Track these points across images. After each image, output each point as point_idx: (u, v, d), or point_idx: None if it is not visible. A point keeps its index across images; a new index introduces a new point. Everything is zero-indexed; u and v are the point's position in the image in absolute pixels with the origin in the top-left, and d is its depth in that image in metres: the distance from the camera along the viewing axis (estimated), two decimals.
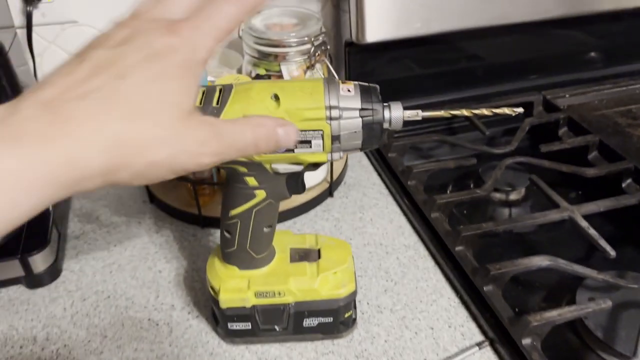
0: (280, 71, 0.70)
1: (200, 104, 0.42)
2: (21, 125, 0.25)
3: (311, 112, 0.41)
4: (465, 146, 0.78)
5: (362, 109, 0.42)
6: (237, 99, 0.42)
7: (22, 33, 0.75)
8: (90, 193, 0.76)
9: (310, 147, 0.42)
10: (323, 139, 0.42)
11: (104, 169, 0.27)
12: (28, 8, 0.71)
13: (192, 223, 0.70)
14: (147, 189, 0.73)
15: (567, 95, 0.87)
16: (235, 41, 0.83)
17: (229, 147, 0.32)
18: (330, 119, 0.41)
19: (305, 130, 0.42)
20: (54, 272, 0.62)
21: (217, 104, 0.42)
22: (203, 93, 0.43)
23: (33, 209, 0.26)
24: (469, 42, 0.87)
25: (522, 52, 0.91)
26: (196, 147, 0.30)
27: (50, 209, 0.66)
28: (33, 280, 0.61)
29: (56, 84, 0.28)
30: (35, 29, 0.74)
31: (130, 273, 0.63)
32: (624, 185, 0.71)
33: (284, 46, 0.68)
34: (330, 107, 0.41)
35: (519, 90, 0.90)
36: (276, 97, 0.41)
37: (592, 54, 0.95)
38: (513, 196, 0.73)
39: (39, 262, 0.61)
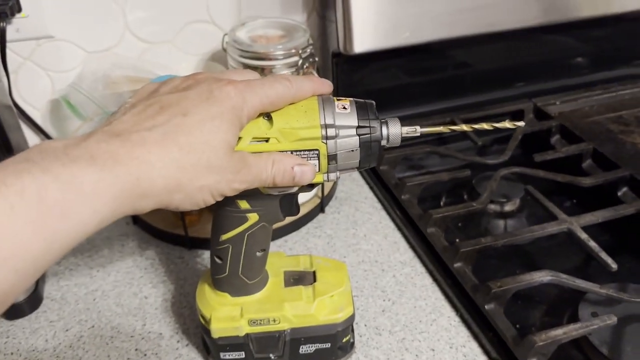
0: None
1: None
2: (94, 148, 0.30)
3: (306, 131, 0.39)
4: (457, 157, 0.76)
5: (359, 127, 0.40)
6: None
7: None
8: None
9: None
10: (319, 159, 0.40)
11: (163, 189, 0.32)
12: (1, 24, 0.67)
13: (179, 244, 0.67)
14: None
15: (557, 102, 0.86)
16: (219, 53, 0.81)
17: (255, 177, 0.37)
18: (327, 138, 0.39)
19: (300, 150, 0.39)
20: (34, 302, 0.59)
21: None
22: None
23: (105, 220, 0.30)
24: (457, 50, 0.86)
25: (511, 59, 0.90)
26: (232, 175, 0.35)
27: None
28: (12, 311, 0.58)
29: (125, 121, 0.33)
30: (9, 45, 0.71)
31: (115, 300, 0.60)
32: (619, 193, 0.69)
33: (270, 59, 0.66)
34: (326, 126, 0.39)
35: (508, 98, 0.88)
36: (269, 117, 0.39)
37: (580, 59, 0.94)
38: (508, 207, 0.72)
39: None
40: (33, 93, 0.77)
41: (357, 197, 0.75)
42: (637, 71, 0.95)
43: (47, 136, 0.79)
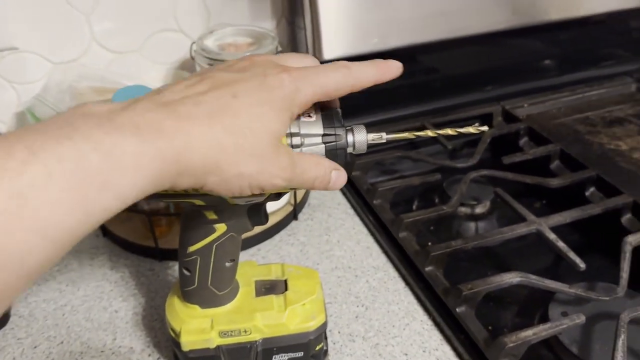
0: None
1: None
2: (140, 117, 0.29)
3: None
4: (428, 161, 0.77)
5: (324, 135, 0.40)
6: None
7: None
8: None
9: None
10: None
11: (201, 168, 0.31)
12: None
13: (149, 256, 0.66)
14: None
15: (525, 105, 0.87)
16: (188, 62, 0.81)
17: (297, 177, 0.36)
18: (292, 146, 0.39)
19: None
20: (1, 320, 0.58)
21: None
22: None
23: (143, 193, 0.29)
24: (426, 55, 0.87)
25: (479, 63, 0.92)
26: (276, 170, 0.34)
27: None
28: None
29: (175, 91, 0.32)
30: None
31: (85, 315, 0.59)
32: (587, 193, 0.71)
33: None
34: (292, 135, 0.39)
35: (477, 102, 0.89)
36: None
37: (547, 62, 0.96)
38: (479, 210, 0.72)
39: None
40: None
41: (330, 203, 0.75)
42: (602, 73, 0.97)
43: None
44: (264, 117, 0.33)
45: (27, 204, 0.24)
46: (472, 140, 0.83)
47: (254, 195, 0.41)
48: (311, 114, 0.40)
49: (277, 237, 0.69)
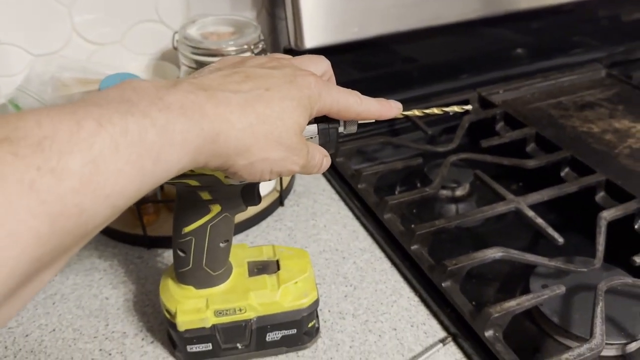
0: None
1: None
2: (183, 98, 0.31)
3: None
4: (409, 146, 0.79)
5: None
6: None
7: None
8: None
9: None
10: None
11: (233, 150, 0.33)
12: None
13: (137, 244, 0.66)
14: None
15: (500, 91, 0.90)
16: (169, 52, 0.81)
17: (308, 163, 0.39)
18: None
19: None
20: None
21: None
22: None
23: (183, 168, 0.31)
24: (404, 45, 0.88)
25: (455, 52, 0.94)
26: (296, 158, 0.37)
27: None
28: None
29: (213, 78, 0.34)
30: None
31: (75, 302, 0.59)
32: (562, 174, 0.73)
33: (222, 55, 0.66)
34: None
35: (454, 89, 0.92)
36: None
37: (520, 50, 0.99)
38: (459, 192, 0.74)
39: None
40: None
41: (315, 189, 0.76)
42: (574, 60, 1.00)
43: None
44: (292, 110, 0.36)
45: (98, 171, 0.25)
46: (451, 127, 0.85)
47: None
48: None
49: (264, 223, 0.70)
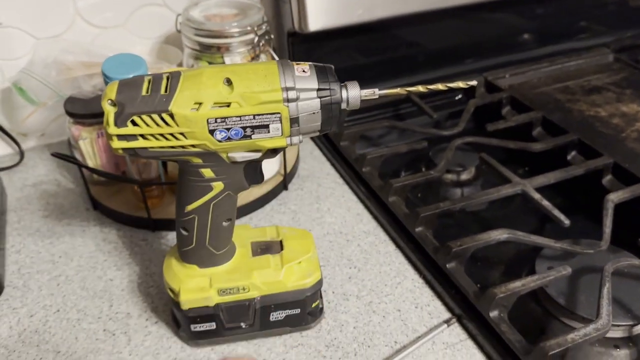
0: (224, 63, 0.67)
1: (147, 92, 0.40)
2: None
3: (267, 94, 0.40)
4: (414, 130, 0.78)
5: (319, 89, 0.41)
6: (187, 86, 0.40)
7: None
8: (27, 204, 0.71)
9: (269, 131, 0.41)
10: (281, 122, 0.40)
11: None
12: None
13: (141, 227, 0.66)
14: (90, 195, 0.69)
15: (507, 76, 0.89)
16: (173, 36, 0.81)
17: None
18: (288, 100, 0.40)
19: (261, 114, 0.40)
20: None
21: (166, 91, 0.40)
22: (149, 82, 0.40)
23: None
24: (409, 28, 0.87)
25: (460, 36, 0.93)
26: None
27: None
28: None
29: None
30: None
31: (80, 284, 0.59)
32: (569, 157, 0.73)
33: (226, 37, 0.66)
34: (287, 89, 0.40)
35: (459, 74, 0.91)
36: (229, 82, 0.40)
37: (526, 35, 0.98)
38: (464, 176, 0.74)
39: None
40: None
41: (319, 173, 0.76)
42: (581, 45, 0.99)
43: None
44: None
45: None
46: (457, 111, 0.85)
47: (250, 151, 0.43)
48: (305, 69, 0.41)
49: (268, 206, 0.70)
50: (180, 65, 0.74)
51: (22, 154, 0.79)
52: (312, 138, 0.82)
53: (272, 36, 0.70)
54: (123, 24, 0.78)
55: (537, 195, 0.62)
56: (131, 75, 0.54)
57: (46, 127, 0.81)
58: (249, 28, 0.66)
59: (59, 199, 0.72)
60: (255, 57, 0.68)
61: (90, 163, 0.67)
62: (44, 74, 0.69)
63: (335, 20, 0.77)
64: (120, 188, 0.69)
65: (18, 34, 0.74)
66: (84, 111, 0.65)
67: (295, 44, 0.81)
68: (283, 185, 0.72)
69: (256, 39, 0.67)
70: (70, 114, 0.65)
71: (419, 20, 0.85)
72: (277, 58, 0.70)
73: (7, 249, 0.64)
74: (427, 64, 0.92)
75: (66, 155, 0.64)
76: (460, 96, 0.90)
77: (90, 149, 0.66)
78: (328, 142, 0.80)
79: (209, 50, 0.67)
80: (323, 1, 0.75)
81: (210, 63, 0.68)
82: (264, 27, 0.68)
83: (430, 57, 0.92)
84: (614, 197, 0.62)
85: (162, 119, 0.39)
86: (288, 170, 0.72)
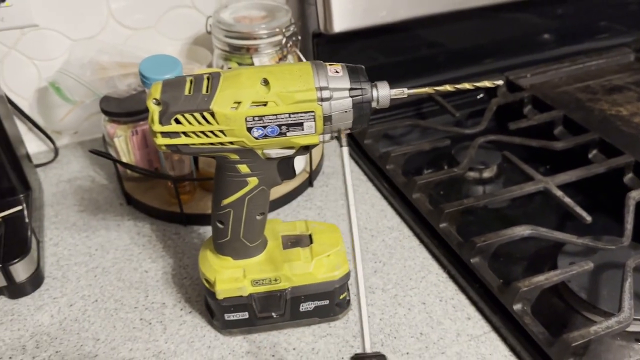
0: (252, 64, 0.69)
1: (190, 92, 0.42)
2: None
3: (302, 94, 0.41)
4: (437, 129, 0.80)
5: (351, 89, 0.43)
6: (227, 85, 0.42)
7: None
8: (63, 199, 0.74)
9: (303, 129, 0.43)
10: (315, 121, 0.42)
11: None
12: None
13: (174, 221, 0.69)
14: (124, 190, 0.72)
15: (528, 75, 0.90)
16: (202, 37, 0.83)
17: None
18: (322, 100, 0.42)
19: (296, 113, 0.42)
20: (36, 280, 0.61)
21: (207, 91, 0.42)
22: (191, 82, 0.43)
23: None
24: (431, 29, 0.89)
25: (482, 36, 0.94)
26: None
27: (26, 217, 0.64)
28: (15, 290, 0.59)
29: None
30: None
31: (116, 275, 0.62)
32: (590, 156, 0.74)
33: (255, 38, 0.68)
34: (321, 88, 0.42)
35: (481, 74, 0.92)
36: (266, 82, 0.42)
37: (547, 35, 0.99)
38: (486, 174, 0.75)
39: (21, 270, 0.59)
40: (19, 82, 0.78)
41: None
42: (601, 44, 0.99)
43: (35, 125, 0.80)
44: None
45: None
46: (478, 110, 0.86)
47: (284, 148, 0.45)
48: (338, 70, 0.43)
49: (294, 202, 0.72)
50: (209, 65, 0.77)
51: (56, 151, 0.82)
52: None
53: (299, 37, 0.72)
54: (154, 25, 0.81)
55: (559, 193, 0.64)
56: (167, 76, 0.57)
57: (79, 125, 0.84)
58: (277, 30, 0.68)
59: (94, 194, 0.75)
60: (282, 58, 0.71)
61: (125, 160, 0.70)
62: (79, 73, 0.72)
63: (360, 21, 0.79)
64: (152, 184, 0.71)
65: (54, 36, 0.77)
66: (119, 110, 0.67)
67: (320, 45, 0.83)
68: (309, 182, 0.74)
69: (284, 40, 0.69)
70: (105, 112, 0.67)
71: (441, 21, 0.87)
72: (303, 58, 0.72)
73: (46, 241, 0.67)
74: (448, 64, 0.93)
75: (103, 152, 0.66)
76: (481, 95, 0.91)
77: (124, 146, 0.68)
78: (352, 141, 0.81)
79: (239, 51, 0.69)
80: (348, 3, 0.77)
81: (239, 64, 0.70)
82: (291, 28, 0.70)
83: (451, 57, 0.94)
84: (636, 195, 0.63)
85: (204, 117, 0.41)
86: (313, 167, 0.74)
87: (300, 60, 0.72)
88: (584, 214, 0.61)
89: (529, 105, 0.84)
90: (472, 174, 0.75)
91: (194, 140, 0.42)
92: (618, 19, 1.02)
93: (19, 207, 0.65)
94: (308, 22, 0.88)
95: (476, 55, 0.95)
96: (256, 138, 0.43)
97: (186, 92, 0.42)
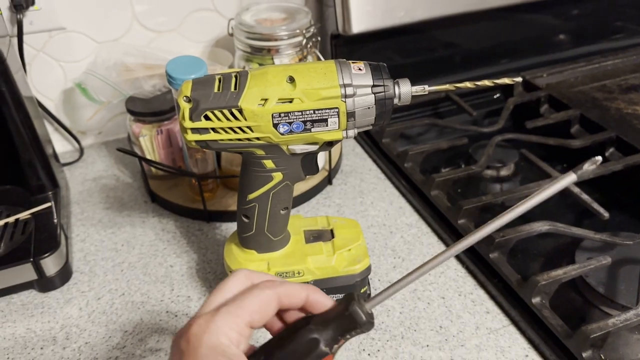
0: (273, 64, 0.71)
1: (219, 90, 0.43)
2: None
3: (327, 91, 0.43)
4: (454, 128, 0.81)
5: (374, 86, 0.44)
6: (255, 83, 0.43)
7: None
8: (88, 197, 0.76)
9: (327, 125, 0.44)
10: (339, 117, 0.44)
11: None
12: (18, 16, 0.71)
13: (197, 218, 0.71)
14: (148, 188, 0.73)
15: (544, 75, 0.91)
16: (224, 39, 0.85)
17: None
18: (345, 96, 0.43)
19: (321, 109, 0.43)
20: (65, 275, 0.63)
21: (235, 89, 0.43)
22: (220, 80, 0.44)
23: None
24: (448, 30, 0.90)
25: (498, 37, 0.95)
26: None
27: (55, 214, 0.66)
28: (45, 284, 0.61)
29: None
30: (24, 38, 0.74)
31: (142, 270, 0.64)
32: (607, 154, 0.74)
33: (276, 39, 0.69)
34: (345, 85, 0.43)
35: (496, 74, 0.92)
36: (292, 79, 0.43)
37: (562, 36, 0.99)
38: (504, 172, 0.76)
39: (51, 265, 0.61)
40: (46, 83, 0.81)
41: (361, 169, 0.79)
42: (617, 45, 1.00)
43: (62, 125, 0.82)
44: None
45: None
46: (494, 110, 0.87)
47: (308, 144, 0.46)
48: (361, 67, 0.44)
49: (314, 200, 0.73)
50: (231, 67, 0.78)
51: (81, 150, 0.85)
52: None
53: (319, 38, 0.73)
54: (176, 28, 0.83)
55: (576, 189, 0.64)
56: (193, 76, 0.59)
57: (103, 125, 0.87)
58: (297, 31, 0.70)
59: (119, 192, 0.77)
60: (302, 59, 0.72)
61: (150, 158, 0.71)
62: (105, 75, 0.74)
63: (378, 23, 0.81)
64: (176, 182, 0.73)
65: (79, 38, 0.79)
66: (144, 110, 0.69)
67: (338, 46, 0.84)
68: (328, 180, 0.76)
69: (304, 41, 0.70)
70: (131, 112, 0.69)
71: (457, 22, 0.88)
72: (322, 59, 0.73)
73: (73, 237, 0.69)
74: (465, 65, 0.94)
75: (130, 151, 0.68)
76: (498, 95, 0.92)
77: (149, 145, 0.70)
78: (370, 140, 0.83)
79: (260, 52, 0.71)
80: (366, 4, 0.79)
81: (260, 64, 0.72)
82: (311, 30, 0.71)
83: (468, 57, 0.95)
84: None
85: (232, 113, 0.43)
86: (332, 165, 0.76)
87: (319, 60, 0.74)
88: (601, 210, 0.61)
89: (546, 104, 0.85)
90: (490, 172, 0.76)
91: (223, 136, 0.44)
92: (634, 19, 1.02)
93: (49, 204, 0.67)
94: (327, 23, 0.89)
95: (493, 56, 0.96)
96: (282, 134, 0.44)
97: (215, 90, 0.43)
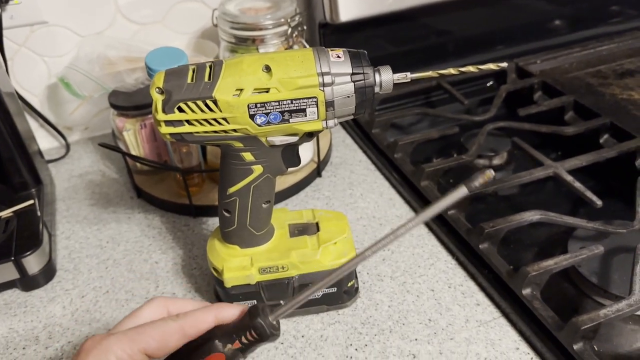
0: None
1: (192, 80, 0.42)
2: None
3: (304, 80, 0.42)
4: (446, 117, 0.79)
5: (353, 74, 0.42)
6: (229, 73, 0.42)
7: None
8: (74, 193, 0.75)
9: (305, 115, 0.43)
10: (317, 106, 0.42)
11: None
12: None
13: (183, 214, 0.69)
14: (134, 184, 0.72)
15: (538, 61, 0.89)
16: (209, 31, 0.83)
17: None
18: (324, 85, 0.42)
19: (299, 99, 0.42)
20: (48, 273, 0.62)
21: (209, 79, 0.42)
22: (193, 70, 0.43)
23: None
24: (439, 16, 0.88)
25: (491, 23, 0.93)
26: None
27: (38, 211, 0.65)
28: (28, 282, 0.60)
29: None
30: (4, 32, 0.73)
31: (127, 267, 0.63)
32: (601, 140, 0.73)
33: (260, 29, 0.68)
34: (323, 74, 0.42)
35: (490, 60, 0.90)
36: (268, 68, 0.42)
37: (557, 21, 0.97)
38: (496, 161, 0.75)
39: (33, 263, 0.60)
40: (30, 79, 0.79)
41: (351, 161, 0.77)
42: (612, 29, 0.98)
43: (47, 122, 0.81)
44: None
45: None
46: (487, 98, 0.85)
47: (288, 135, 0.45)
48: (340, 55, 0.43)
49: (302, 193, 0.72)
50: (216, 58, 0.77)
51: (67, 146, 0.83)
52: (343, 126, 0.84)
53: (305, 27, 0.72)
54: (161, 20, 0.81)
55: (569, 177, 0.63)
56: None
57: (89, 121, 0.85)
58: (282, 20, 0.68)
59: (104, 188, 0.75)
60: (288, 48, 0.70)
61: (134, 153, 0.70)
62: (88, 69, 0.73)
63: (366, 10, 0.79)
64: (162, 177, 0.72)
65: (62, 32, 0.77)
66: (127, 103, 0.68)
67: (327, 35, 0.83)
68: (317, 172, 0.74)
69: (289, 30, 0.69)
70: (114, 106, 0.68)
71: (449, 8, 0.86)
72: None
73: (58, 235, 0.68)
74: (457, 52, 0.93)
75: (112, 146, 0.67)
76: (491, 83, 0.90)
77: (133, 140, 0.69)
78: (360, 130, 0.81)
79: (245, 42, 0.69)
80: None
81: None
82: (296, 18, 0.70)
83: (460, 44, 0.93)
84: None
85: (207, 105, 0.42)
86: (321, 157, 0.74)
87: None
88: (594, 198, 0.60)
89: (539, 91, 0.83)
90: (482, 161, 0.74)
91: (198, 128, 0.43)
92: (629, 3, 1.00)
93: (31, 202, 0.66)
94: (314, 12, 0.87)
95: (485, 43, 0.94)
96: (259, 125, 0.43)
97: (189, 80, 0.42)
